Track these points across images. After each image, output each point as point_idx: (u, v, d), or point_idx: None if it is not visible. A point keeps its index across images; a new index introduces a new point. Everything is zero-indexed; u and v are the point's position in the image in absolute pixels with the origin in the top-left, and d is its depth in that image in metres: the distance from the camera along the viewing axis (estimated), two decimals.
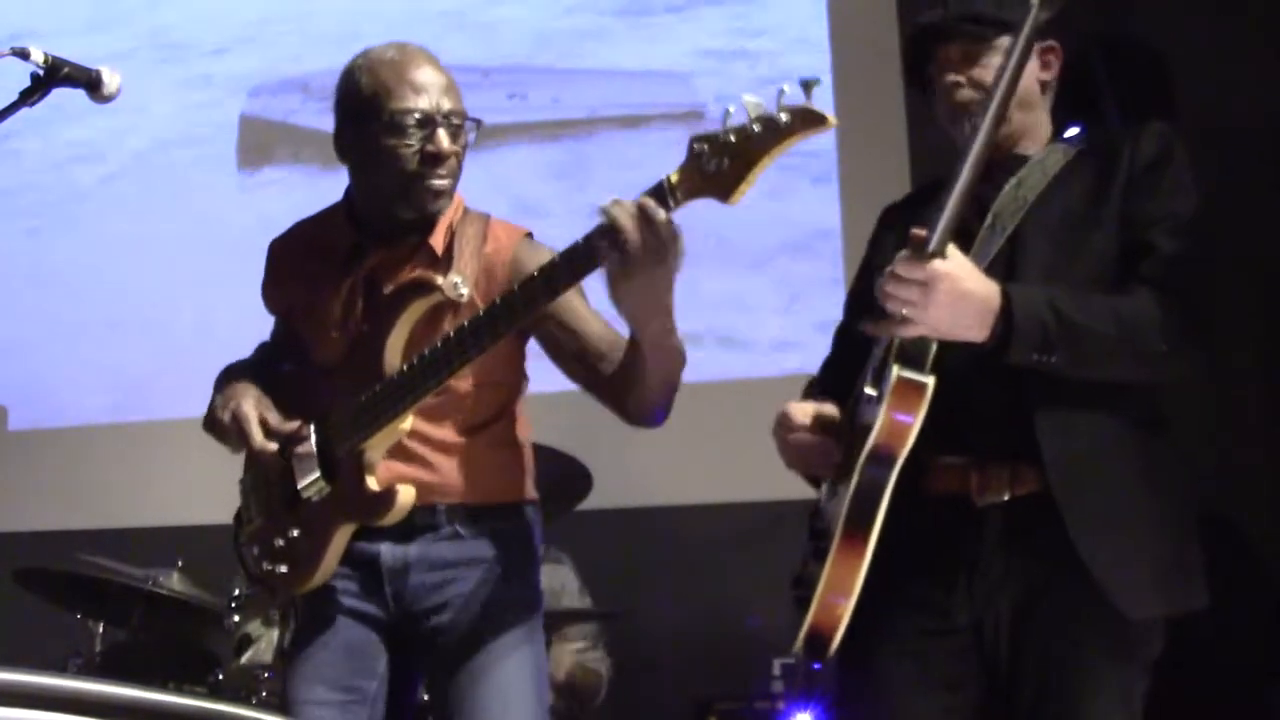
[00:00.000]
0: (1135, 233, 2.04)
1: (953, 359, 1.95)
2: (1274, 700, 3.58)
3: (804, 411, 2.14)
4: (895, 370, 1.93)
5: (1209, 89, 3.83)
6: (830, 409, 2.14)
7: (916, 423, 1.92)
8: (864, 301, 2.30)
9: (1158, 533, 2.01)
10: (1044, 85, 2.22)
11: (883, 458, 1.93)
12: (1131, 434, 2.03)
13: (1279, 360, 3.96)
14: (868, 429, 1.95)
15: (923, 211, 2.18)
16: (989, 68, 2.13)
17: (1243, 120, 3.86)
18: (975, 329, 1.93)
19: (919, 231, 1.92)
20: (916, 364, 1.94)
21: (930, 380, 1.92)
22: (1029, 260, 2.06)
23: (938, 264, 1.89)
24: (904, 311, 1.91)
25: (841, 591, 1.94)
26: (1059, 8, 2.01)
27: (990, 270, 1.98)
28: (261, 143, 5.18)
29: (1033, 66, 2.17)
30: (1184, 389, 2.10)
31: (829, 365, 2.37)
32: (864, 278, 2.33)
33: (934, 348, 1.95)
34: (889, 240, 2.27)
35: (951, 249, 1.92)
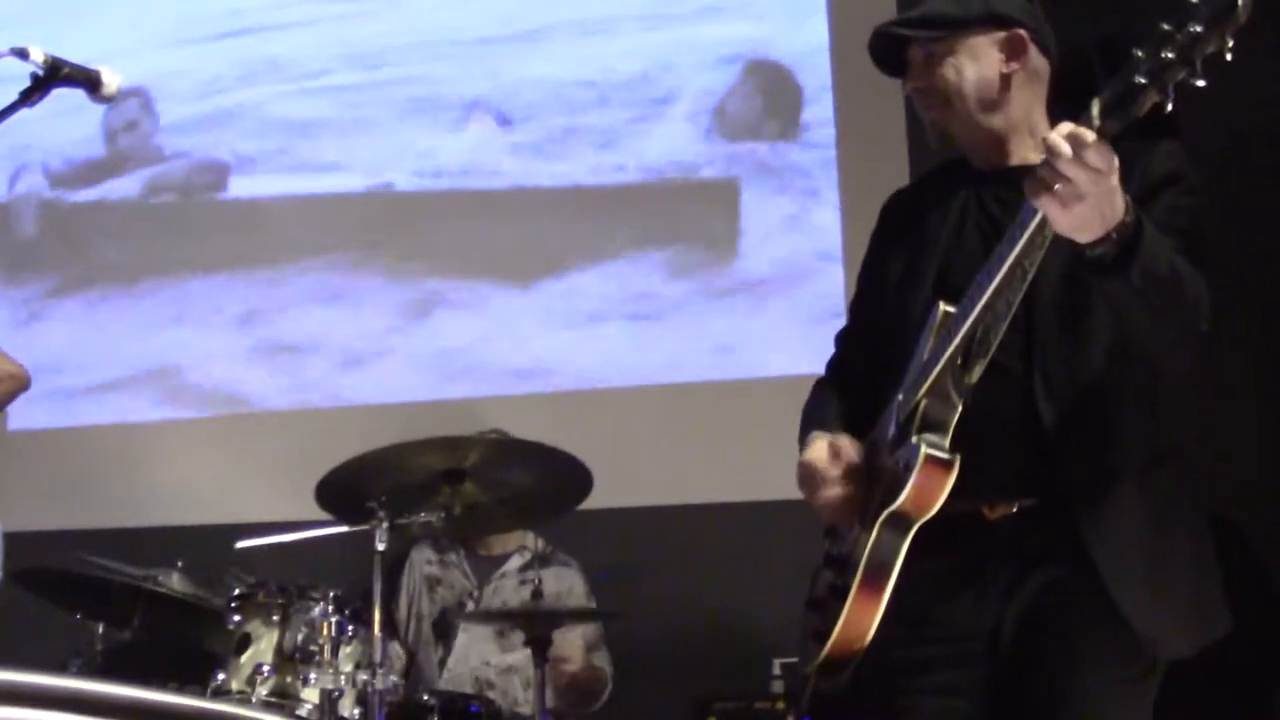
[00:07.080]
0: None
1: (966, 409, 1.97)
2: (1274, 700, 3.58)
3: (831, 464, 2.12)
4: (923, 449, 1.96)
5: (1208, 89, 3.82)
6: (850, 454, 2.12)
7: (942, 497, 1.96)
8: (867, 304, 2.30)
9: (1185, 574, 2.02)
10: (1007, 80, 2.11)
11: (903, 522, 1.98)
12: (1152, 473, 2.03)
13: (1278, 361, 3.96)
14: (890, 486, 1.99)
15: (926, 202, 2.18)
16: (951, 67, 2.11)
17: (1242, 121, 3.85)
18: (1091, 233, 1.81)
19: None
20: (940, 429, 1.97)
21: (957, 459, 1.96)
22: (1045, 309, 2.02)
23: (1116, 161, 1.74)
24: (1061, 191, 1.74)
25: (859, 634, 2.01)
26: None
27: (1013, 324, 1.97)
28: None
29: (993, 60, 2.11)
30: (1184, 389, 2.10)
31: (835, 366, 2.37)
32: (866, 277, 2.32)
33: (957, 414, 1.98)
34: (893, 233, 2.26)
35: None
